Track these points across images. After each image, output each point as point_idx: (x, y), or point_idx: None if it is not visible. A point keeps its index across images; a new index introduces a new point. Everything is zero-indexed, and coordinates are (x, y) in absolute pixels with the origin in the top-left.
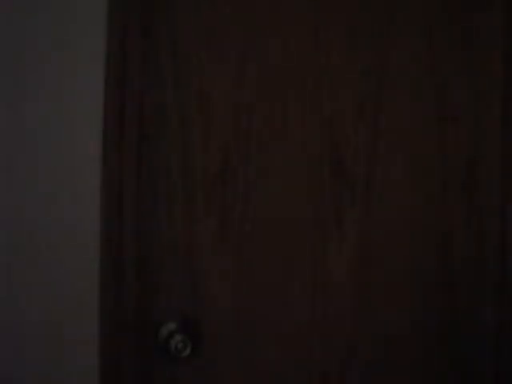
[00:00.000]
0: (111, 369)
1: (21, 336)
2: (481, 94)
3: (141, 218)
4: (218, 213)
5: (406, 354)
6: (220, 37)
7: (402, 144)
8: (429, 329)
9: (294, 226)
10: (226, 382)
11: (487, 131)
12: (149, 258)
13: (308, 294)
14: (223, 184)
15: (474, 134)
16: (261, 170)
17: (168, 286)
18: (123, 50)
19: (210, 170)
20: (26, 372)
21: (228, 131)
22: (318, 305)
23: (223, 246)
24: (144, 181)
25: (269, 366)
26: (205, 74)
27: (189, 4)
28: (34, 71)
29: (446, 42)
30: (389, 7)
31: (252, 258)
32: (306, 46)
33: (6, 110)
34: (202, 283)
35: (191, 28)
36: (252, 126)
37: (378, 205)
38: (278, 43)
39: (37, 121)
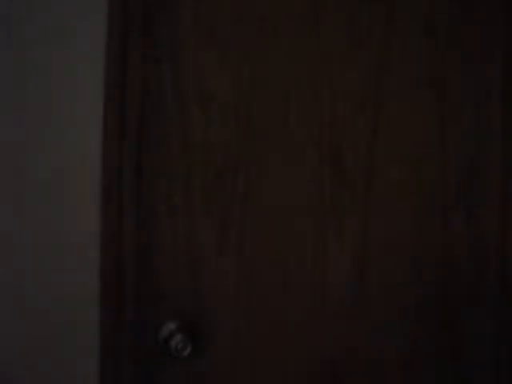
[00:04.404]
0: (111, 369)
1: (21, 336)
2: (481, 93)
3: (141, 218)
4: (218, 213)
5: (405, 364)
6: (220, 37)
7: (402, 144)
8: (426, 338)
9: (293, 226)
10: (227, 382)
11: (487, 131)
12: (149, 258)
13: (308, 295)
14: (223, 184)
15: (475, 134)
16: (261, 169)
17: (168, 286)
18: (123, 50)
19: (209, 169)
20: (26, 372)
21: (228, 131)
22: (318, 305)
23: (223, 246)
24: (144, 181)
25: (269, 365)
26: (205, 74)
27: (189, 4)
28: (34, 71)
29: (446, 41)
30: (389, 7)
31: (252, 258)
32: (307, 46)
33: (5, 110)
34: (202, 283)
35: (191, 28)
36: (252, 126)
37: (377, 205)
38: (278, 43)
39: (37, 121)
